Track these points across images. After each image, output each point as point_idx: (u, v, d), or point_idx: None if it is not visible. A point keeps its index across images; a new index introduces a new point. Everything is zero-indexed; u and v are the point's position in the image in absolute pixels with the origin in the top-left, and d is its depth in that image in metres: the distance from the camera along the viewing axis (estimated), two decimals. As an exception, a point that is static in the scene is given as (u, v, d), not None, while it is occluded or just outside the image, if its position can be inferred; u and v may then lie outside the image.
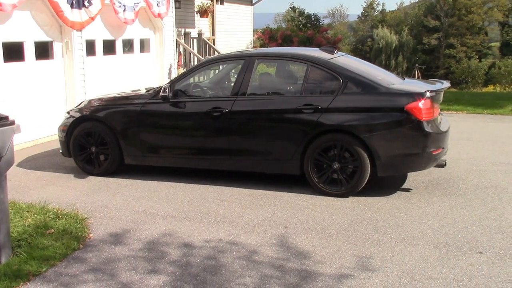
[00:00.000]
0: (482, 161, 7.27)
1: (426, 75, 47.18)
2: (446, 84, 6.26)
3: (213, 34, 15.63)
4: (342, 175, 5.71)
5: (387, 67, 52.65)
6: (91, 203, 5.66)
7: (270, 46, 17.75)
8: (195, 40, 15.01)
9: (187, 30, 15.32)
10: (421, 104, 5.48)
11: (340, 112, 5.66)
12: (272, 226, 4.96)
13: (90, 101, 7.00)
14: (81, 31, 9.48)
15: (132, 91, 7.17)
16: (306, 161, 5.80)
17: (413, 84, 6.13)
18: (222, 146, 6.10)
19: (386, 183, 6.20)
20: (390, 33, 52.03)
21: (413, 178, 6.45)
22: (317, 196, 5.80)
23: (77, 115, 6.78)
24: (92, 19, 9.69)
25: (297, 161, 5.85)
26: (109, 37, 10.73)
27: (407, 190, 6.02)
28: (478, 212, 5.28)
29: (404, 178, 6.42)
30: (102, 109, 6.65)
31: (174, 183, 6.36)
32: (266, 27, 18.55)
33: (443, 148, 5.76)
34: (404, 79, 6.68)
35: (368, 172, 5.63)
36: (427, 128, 5.51)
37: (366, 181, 5.67)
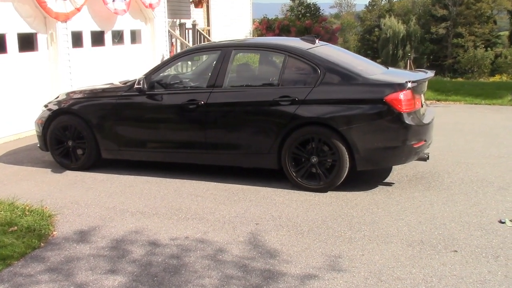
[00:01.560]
0: (471, 154, 7.05)
1: (434, 65, 46.75)
2: (430, 74, 6.04)
3: (208, 24, 15.41)
4: (321, 169, 5.53)
5: (394, 57, 52.12)
6: (62, 199, 5.52)
7: (267, 36, 17.52)
8: (190, 31, 14.80)
9: (182, 20, 15.11)
10: (401, 95, 5.27)
11: (318, 104, 5.46)
12: (243, 223, 4.79)
13: (68, 94, 6.85)
14: (66, 22, 9.31)
15: (121, 82, 6.97)
16: (283, 155, 5.62)
17: (395, 75, 5.92)
18: (198, 139, 5.93)
19: (368, 177, 6.01)
20: (398, 23, 51.51)
21: (397, 172, 6.25)
22: (295, 191, 5.62)
23: (54, 108, 6.63)
24: (78, 9, 9.51)
25: (275, 155, 5.67)
26: (98, 28, 10.55)
27: (389, 184, 5.82)
28: (459, 207, 5.08)
29: (387, 172, 6.23)
30: (78, 102, 6.49)
31: (151, 177, 6.20)
32: (264, 17, 18.30)
33: (425, 141, 5.55)
34: (388, 68, 6.46)
35: (347, 166, 5.43)
36: (408, 120, 5.30)
37: (345, 175, 5.48)
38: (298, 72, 5.75)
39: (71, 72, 9.54)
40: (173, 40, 13.59)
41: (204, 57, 7.15)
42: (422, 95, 5.87)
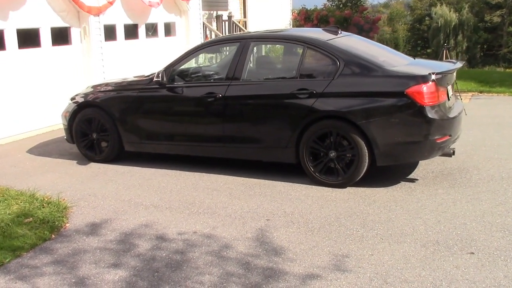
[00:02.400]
0: (506, 149, 6.69)
1: (488, 55, 44.85)
2: (458, 64, 5.75)
3: (244, 16, 15.30)
4: (339, 164, 5.36)
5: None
6: (81, 191, 5.59)
7: (305, 27, 17.25)
8: (226, 23, 14.76)
9: (219, 12, 15.08)
10: (423, 87, 5.03)
11: (336, 97, 5.29)
12: (254, 218, 4.70)
13: (94, 87, 6.93)
14: (98, 16, 9.44)
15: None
16: (301, 149, 5.48)
17: (419, 66, 5.65)
18: (216, 133, 5.87)
19: (390, 172, 5.79)
20: (450, 11, 49.75)
21: (423, 167, 5.99)
22: (313, 186, 5.48)
23: (79, 101, 6.72)
24: (111, 3, 9.62)
25: (293, 149, 5.54)
26: (131, 21, 10.65)
27: (412, 180, 5.59)
28: (484, 206, 4.82)
29: (412, 168, 5.99)
30: (102, 95, 6.56)
31: (171, 170, 6.20)
32: (302, 7, 18.02)
33: (450, 136, 5.28)
34: (415, 59, 6.19)
35: (366, 161, 5.25)
36: (430, 114, 5.06)
37: (364, 171, 5.29)
38: (317, 64, 5.59)
39: (103, 65, 9.67)
40: (208, 32, 13.59)
41: (228, 50, 7.07)
42: (449, 87, 5.59)
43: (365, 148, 5.20)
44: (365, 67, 5.27)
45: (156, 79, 6.05)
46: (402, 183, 5.52)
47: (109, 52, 9.89)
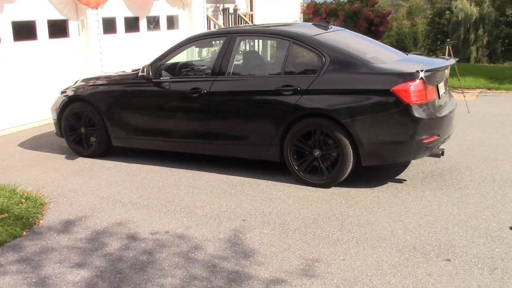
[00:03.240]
0: (504, 149, 6.46)
1: (509, 50, 43.86)
2: (450, 61, 5.54)
3: (251, 9, 15.12)
4: (323, 164, 5.22)
5: (465, 41, 49.51)
6: (63, 187, 5.53)
7: (314, 21, 17.01)
8: (232, 16, 14.61)
9: (226, 5, 14.92)
10: (410, 85, 4.85)
11: (321, 94, 5.14)
12: (231, 218, 4.59)
13: (84, 80, 6.86)
14: (97, 8, 9.36)
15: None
16: (285, 147, 5.35)
17: (409, 63, 5.45)
18: (202, 129, 5.76)
19: (379, 172, 5.63)
20: (470, 5, 48.86)
21: (413, 168, 5.82)
22: (297, 185, 5.34)
23: (69, 94, 6.65)
24: (110, -4, 9.54)
25: (277, 147, 5.41)
26: (132, 14, 10.57)
27: (401, 181, 5.42)
28: (469, 210, 4.63)
29: (403, 167, 5.81)
30: (90, 89, 6.49)
31: (157, 167, 6.12)
32: (312, 0, 17.76)
33: (438, 136, 5.09)
34: (407, 55, 6.00)
35: (351, 161, 5.09)
36: (417, 113, 4.88)
37: (348, 171, 5.14)
38: (302, 60, 5.44)
39: (102, 58, 9.61)
40: (212, 25, 13.46)
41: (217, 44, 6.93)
42: (441, 85, 5.40)
43: (350, 147, 5.04)
44: (350, 64, 5.10)
45: (141, 74, 5.95)
46: (389, 183, 5.36)
47: (108, 45, 9.82)
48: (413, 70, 4.91)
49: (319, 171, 5.25)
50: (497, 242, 4.00)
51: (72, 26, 9.26)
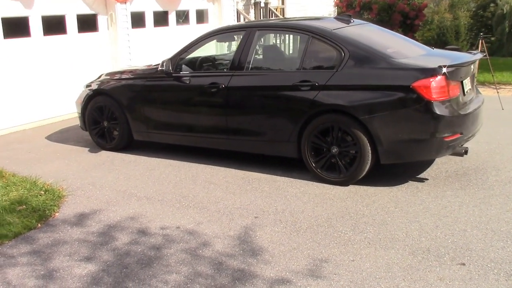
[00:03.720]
0: (535, 148, 6.18)
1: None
2: (476, 56, 5.32)
3: (282, 2, 14.97)
4: (341, 161, 5.10)
5: (510, 34, 47.81)
6: (82, 180, 5.60)
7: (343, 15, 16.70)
8: (263, 10, 14.50)
9: (257, -1, 14.81)
10: (431, 81, 4.67)
11: (339, 90, 5.01)
12: (243, 215, 4.54)
13: (108, 74, 6.91)
14: (125, 3, 9.44)
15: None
16: (303, 144, 5.25)
17: (433, 58, 5.26)
18: (220, 124, 5.72)
19: (400, 170, 5.48)
20: (517, -4, 47.27)
21: (437, 166, 5.62)
22: (314, 183, 5.25)
23: (92, 88, 6.72)
24: (138, -10, 9.61)
25: (295, 143, 5.32)
26: (161, 8, 10.61)
27: (422, 180, 5.25)
28: (492, 212, 4.44)
29: (426, 166, 5.63)
30: (113, 83, 6.53)
31: (176, 161, 6.12)
32: (345, -7, 17.42)
33: (461, 134, 4.89)
34: (433, 49, 5.79)
35: (369, 158, 4.96)
36: (438, 110, 4.70)
37: (367, 168, 5.00)
38: (321, 55, 5.32)
39: (130, 52, 9.69)
40: (242, 19, 13.39)
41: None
42: (466, 81, 5.19)
43: (368, 144, 4.91)
44: (370, 59, 4.95)
45: (160, 68, 5.95)
46: (410, 182, 5.19)
47: (137, 39, 9.90)
48: (435, 66, 4.73)
49: (337, 168, 5.14)
50: (517, 247, 3.81)
51: (101, 20, 9.36)
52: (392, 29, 15.14)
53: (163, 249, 3.94)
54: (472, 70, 5.28)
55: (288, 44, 5.87)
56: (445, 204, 4.64)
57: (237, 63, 5.60)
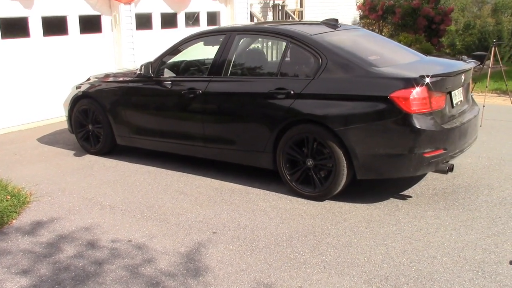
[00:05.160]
0: (539, 166, 5.71)
1: None
2: (467, 65, 4.92)
3: (301, 5, 14.65)
4: (316, 175, 4.78)
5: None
6: (54, 185, 5.46)
7: (370, 19, 16.28)
8: (280, 13, 14.20)
9: (276, 1, 14.53)
10: (411, 92, 4.31)
11: (315, 99, 4.70)
12: (202, 229, 4.29)
13: (96, 77, 6.77)
14: (130, 4, 9.33)
15: None
16: (278, 155, 4.96)
17: (419, 66, 4.88)
18: (197, 132, 5.49)
19: (385, 186, 5.12)
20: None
21: (426, 182, 5.25)
22: (289, 197, 4.95)
23: (79, 91, 6.59)
24: (144, -8, 9.49)
25: (270, 154, 5.03)
26: (169, 10, 10.47)
27: (405, 197, 4.88)
28: (471, 237, 4.05)
29: (414, 181, 5.25)
30: (96, 86, 6.39)
31: (156, 168, 5.92)
32: (368, -4, 16.95)
33: (444, 150, 4.50)
34: (426, 57, 5.41)
35: (345, 173, 4.62)
36: (418, 124, 4.33)
37: (342, 184, 4.67)
38: (299, 61, 5.02)
39: (134, 54, 9.58)
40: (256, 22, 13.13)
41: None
42: (457, 91, 4.81)
43: (344, 158, 4.58)
44: (348, 66, 4.63)
45: (138, 72, 5.77)
46: (391, 200, 4.83)
47: (143, 41, 9.78)
48: (416, 75, 4.37)
49: (312, 182, 4.82)
50: (487, 279, 3.43)
51: (105, 21, 9.28)
52: (416, 34, 14.67)
53: (105, 265, 3.73)
54: (463, 80, 4.87)
55: (270, 49, 5.58)
56: (421, 226, 4.27)
57: (215, 68, 5.36)
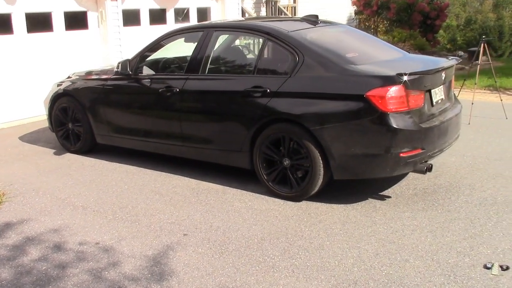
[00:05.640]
0: (524, 165, 5.59)
1: None
2: (449, 62, 4.81)
3: (294, 1, 14.50)
4: (293, 175, 4.68)
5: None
6: (29, 185, 5.36)
7: (365, 14, 16.13)
8: (273, 9, 14.06)
9: (270, -3, 14.37)
10: (388, 90, 4.20)
11: (291, 97, 4.59)
12: (173, 231, 4.19)
13: (76, 74, 6.65)
14: (116, 0, 9.21)
15: None
16: (255, 154, 4.86)
17: (398, 64, 4.77)
18: (175, 130, 5.38)
19: (366, 185, 5.03)
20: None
21: (407, 182, 5.15)
22: (267, 197, 4.85)
23: (59, 88, 6.49)
24: (131, -13, 9.37)
25: (247, 153, 4.93)
26: (158, 5, 10.35)
27: (384, 198, 4.78)
28: (447, 239, 3.95)
29: (395, 180, 5.15)
30: (76, 84, 6.29)
31: (135, 167, 5.83)
32: (363, -8, 16.77)
33: (422, 149, 4.39)
34: (409, 54, 5.30)
35: (321, 173, 4.52)
36: (395, 123, 4.22)
37: (319, 184, 4.57)
38: (276, 59, 4.92)
39: (121, 51, 9.47)
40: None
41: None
42: (437, 90, 4.70)
43: (320, 158, 4.47)
44: (324, 64, 4.51)
45: (115, 70, 5.66)
46: (370, 200, 4.73)
47: (131, 38, 9.66)
48: (393, 73, 4.25)
49: (288, 182, 4.72)
50: (459, 284, 3.33)
51: (91, 17, 9.17)
52: (411, 30, 14.51)
53: (68, 269, 3.63)
54: (443, 78, 4.75)
55: (250, 46, 5.46)
56: (397, 227, 4.16)
57: (193, 66, 5.26)
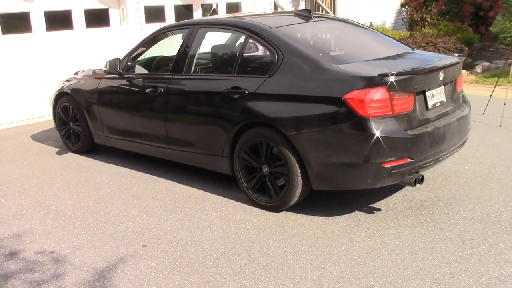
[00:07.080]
0: (547, 176, 4.95)
1: None
2: (450, 60, 4.28)
3: (334, -6, 13.92)
4: (272, 183, 4.33)
5: None
6: (18, 185, 5.32)
7: (411, 7, 15.25)
8: (310, 3, 13.55)
9: (309, -10, 13.89)
10: (368, 93, 3.77)
11: (268, 100, 4.24)
12: (133, 242, 3.96)
13: (82, 72, 6.58)
14: (137, -4, 9.12)
15: None
16: (234, 160, 4.55)
17: (393, 63, 4.28)
18: (161, 132, 5.16)
19: (358, 195, 4.60)
20: None
21: (404, 193, 4.66)
22: (246, 205, 4.54)
23: (62, 87, 6.43)
24: (153, -17, 9.25)
25: (227, 158, 4.62)
26: (184, 1, 10.18)
27: (372, 210, 4.34)
28: (426, 263, 3.49)
29: (392, 191, 4.68)
30: (75, 83, 6.20)
31: (127, 169, 5.67)
32: (410, -16, 15.85)
33: (409, 159, 3.92)
34: (413, 50, 4.79)
35: (299, 182, 4.15)
36: (375, 129, 3.78)
37: (297, 194, 4.20)
38: (256, 57, 4.58)
39: (143, 48, 9.34)
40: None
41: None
42: (436, 91, 4.21)
43: (297, 166, 4.10)
44: (303, 63, 4.12)
45: (104, 69, 5.50)
46: (356, 213, 4.30)
47: (153, 34, 9.52)
48: (375, 74, 3.81)
49: (267, 191, 4.38)
50: (421, 319, 2.88)
51: (112, 15, 9.13)
52: (461, 22, 13.60)
53: (10, 280, 3.48)
54: (442, 78, 4.22)
55: (234, 44, 5.12)
56: (375, 246, 3.73)
57: (177, 65, 5.01)
